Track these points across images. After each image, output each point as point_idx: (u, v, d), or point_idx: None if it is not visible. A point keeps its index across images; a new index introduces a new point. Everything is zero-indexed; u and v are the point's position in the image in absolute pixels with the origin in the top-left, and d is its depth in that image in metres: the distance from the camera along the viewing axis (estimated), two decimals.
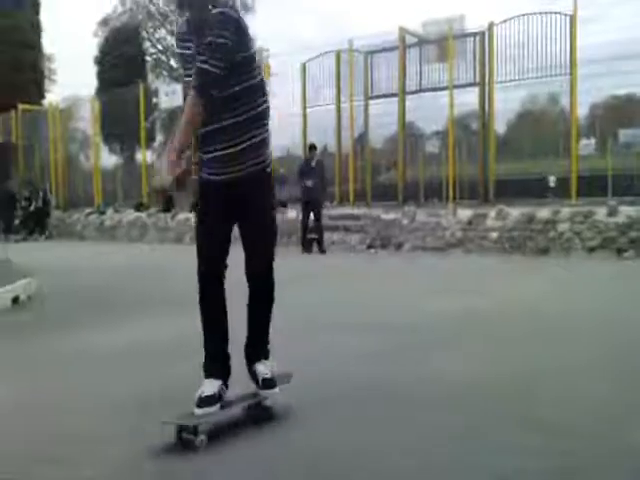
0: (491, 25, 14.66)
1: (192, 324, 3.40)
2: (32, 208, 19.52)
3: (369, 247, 12.39)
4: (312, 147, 13.10)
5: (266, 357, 3.32)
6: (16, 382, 4.05)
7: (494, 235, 11.32)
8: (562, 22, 13.88)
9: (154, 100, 28.26)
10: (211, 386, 3.05)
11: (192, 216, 15.76)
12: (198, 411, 2.98)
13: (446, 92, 15.13)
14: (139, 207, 18.30)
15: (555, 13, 14.07)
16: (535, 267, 9.73)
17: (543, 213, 11.14)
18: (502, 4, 37.22)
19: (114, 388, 3.80)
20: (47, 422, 3.31)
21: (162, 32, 40.11)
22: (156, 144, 35.54)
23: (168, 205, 17.19)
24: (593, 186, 14.60)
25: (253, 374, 3.27)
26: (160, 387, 3.75)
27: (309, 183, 12.28)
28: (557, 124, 23.13)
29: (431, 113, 16.88)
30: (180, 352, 4.38)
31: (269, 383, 3.22)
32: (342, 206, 15.49)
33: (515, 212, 11.41)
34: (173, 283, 8.08)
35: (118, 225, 17.21)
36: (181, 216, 16.04)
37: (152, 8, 39.35)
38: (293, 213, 13.97)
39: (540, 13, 14.33)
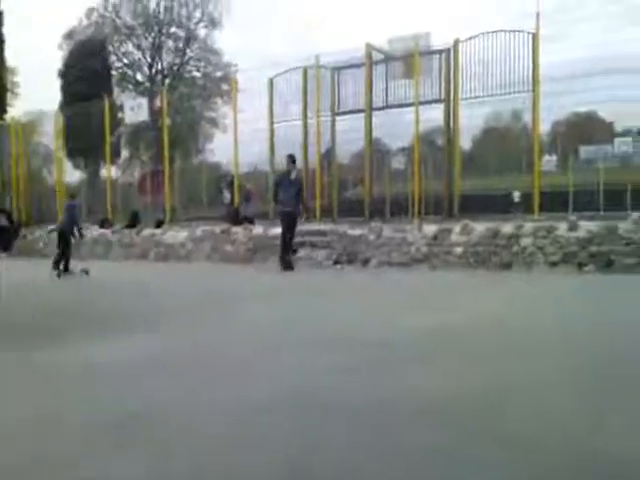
0: (456, 42, 14.86)
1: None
2: None
3: (335, 263, 12.38)
4: (292, 160, 12.47)
5: None
6: None
7: (459, 250, 11.41)
8: (525, 40, 14.14)
9: (119, 115, 28.04)
10: None
11: (157, 232, 15.62)
12: None
13: (412, 108, 15.27)
14: (103, 223, 18.05)
15: (518, 31, 14.32)
16: (500, 282, 9.82)
17: (507, 228, 11.27)
18: (467, 22, 37.79)
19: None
20: None
21: (128, 46, 39.94)
22: (121, 160, 35.24)
23: (134, 221, 17.02)
24: (555, 201, 14.90)
25: None
26: None
27: (287, 196, 11.89)
28: (520, 141, 23.54)
29: (397, 130, 17.05)
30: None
31: None
32: (308, 222, 15.48)
33: (480, 227, 11.52)
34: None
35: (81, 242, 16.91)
36: (146, 232, 15.86)
37: (118, 22, 39.14)
38: (259, 229, 13.96)
39: (504, 31, 14.57)
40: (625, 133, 30.84)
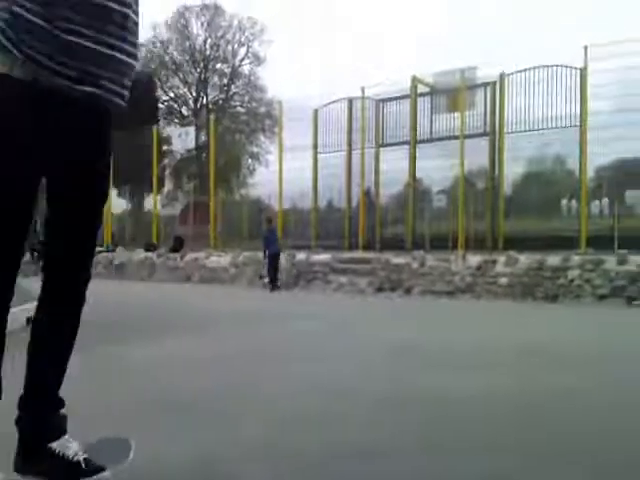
0: (502, 75, 14.93)
1: None
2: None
3: (379, 290, 12.35)
4: (269, 220, 14.84)
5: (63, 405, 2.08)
6: None
7: (504, 280, 11.28)
8: (573, 75, 14.12)
9: (164, 147, 28.67)
10: None
11: (200, 256, 15.80)
12: None
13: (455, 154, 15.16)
14: (148, 247, 18.36)
15: (566, 66, 14.31)
16: (549, 312, 9.67)
17: (553, 260, 11.13)
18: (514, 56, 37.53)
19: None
20: None
21: (175, 80, 40.99)
22: (165, 191, 35.91)
23: (178, 246, 17.28)
24: (601, 241, 14.59)
25: (50, 457, 1.96)
26: None
27: (274, 249, 13.66)
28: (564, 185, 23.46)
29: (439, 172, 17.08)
30: None
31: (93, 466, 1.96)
32: (350, 251, 15.52)
33: (525, 259, 11.40)
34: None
35: (128, 263, 17.21)
36: (189, 256, 16.08)
37: (166, 58, 40.26)
38: (302, 255, 14.11)
39: (550, 66, 14.59)
40: None
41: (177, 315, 8.92)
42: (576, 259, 11.02)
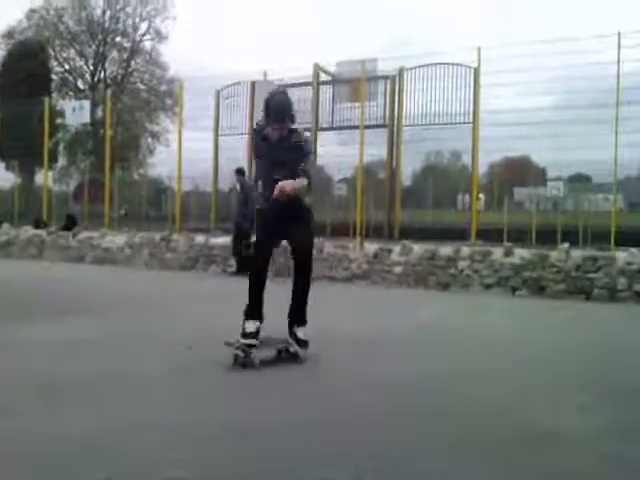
0: (401, 70, 15.32)
1: None
2: None
3: (276, 275, 12.43)
4: (238, 172, 12.88)
5: (304, 324, 5.07)
6: None
7: (399, 269, 11.66)
8: (467, 73, 14.65)
9: (58, 120, 27.40)
10: (253, 325, 4.79)
11: (94, 236, 15.32)
12: (244, 340, 4.69)
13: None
14: (38, 224, 17.57)
15: (461, 65, 14.81)
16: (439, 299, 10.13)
17: (445, 250, 11.60)
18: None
19: None
20: None
21: (70, 52, 39.22)
22: (58, 166, 34.37)
23: (70, 224, 16.66)
24: (491, 235, 15.33)
25: (292, 334, 4.99)
26: None
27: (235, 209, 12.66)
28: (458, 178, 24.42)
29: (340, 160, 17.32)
30: None
31: (302, 343, 4.98)
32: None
33: (418, 248, 11.81)
34: None
35: (14, 240, 16.41)
36: (82, 235, 15.55)
37: (61, 27, 38.41)
38: (201, 238, 13.95)
39: (447, 64, 15.05)
40: (557, 179, 32.19)
41: (58, 297, 8.70)
42: (466, 250, 11.53)
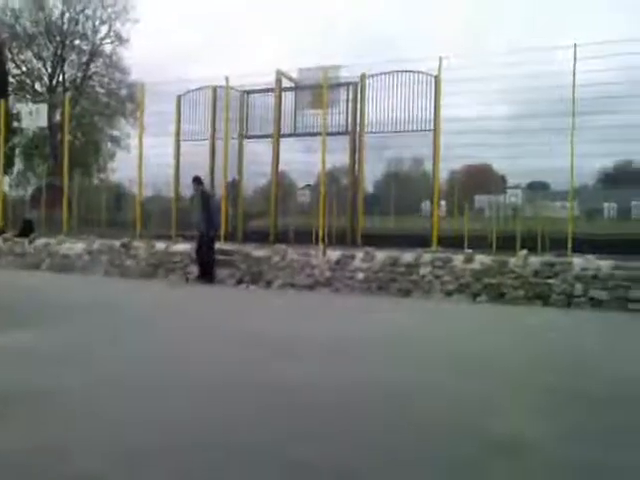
0: (363, 76, 15.40)
1: None
2: None
3: (239, 282, 12.38)
4: (196, 181, 12.93)
5: None
6: None
7: (361, 275, 11.70)
8: (429, 81, 14.80)
9: (15, 124, 26.81)
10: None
11: (51, 242, 15.03)
12: None
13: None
14: None
15: (422, 73, 14.95)
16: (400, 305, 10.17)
17: (407, 257, 11.68)
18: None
19: None
20: None
21: (28, 54, 38.46)
22: (15, 170, 33.62)
23: (26, 230, 16.33)
24: (452, 241, 15.52)
25: None
26: None
27: (197, 217, 12.64)
28: (420, 185, 24.67)
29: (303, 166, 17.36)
30: None
31: None
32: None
33: (381, 255, 11.87)
34: None
35: None
36: (39, 242, 15.24)
37: (18, 28, 37.66)
38: (162, 245, 13.81)
39: (410, 71, 15.18)
40: (516, 187, 32.91)
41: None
42: (427, 257, 11.63)
